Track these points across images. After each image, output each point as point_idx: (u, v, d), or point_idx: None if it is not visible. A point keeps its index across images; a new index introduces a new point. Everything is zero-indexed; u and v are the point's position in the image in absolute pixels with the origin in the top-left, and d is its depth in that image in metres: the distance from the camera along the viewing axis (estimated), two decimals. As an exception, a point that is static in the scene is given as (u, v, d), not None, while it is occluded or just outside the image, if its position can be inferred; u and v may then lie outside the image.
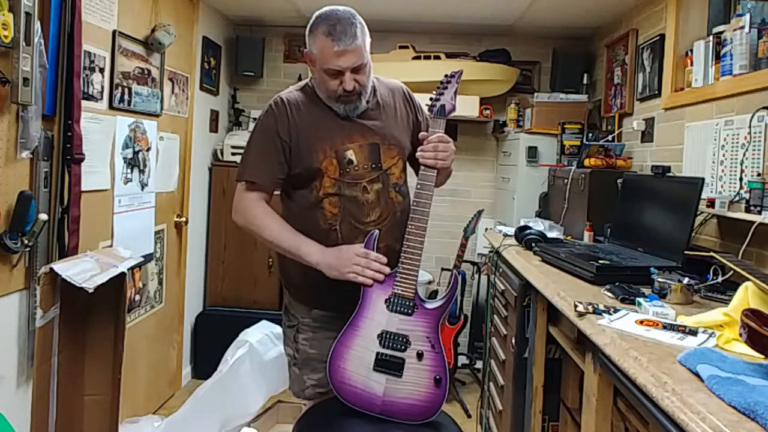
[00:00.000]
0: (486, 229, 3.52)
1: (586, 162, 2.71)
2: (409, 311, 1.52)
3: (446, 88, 1.62)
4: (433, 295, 3.66)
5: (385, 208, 1.63)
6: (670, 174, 2.11)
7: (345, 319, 1.65)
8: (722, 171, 2.07)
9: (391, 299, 1.53)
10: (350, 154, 1.60)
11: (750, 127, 1.89)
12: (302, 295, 1.70)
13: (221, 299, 3.67)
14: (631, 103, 3.01)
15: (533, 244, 2.23)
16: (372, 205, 1.61)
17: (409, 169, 1.78)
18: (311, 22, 1.56)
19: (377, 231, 1.57)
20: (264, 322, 2.94)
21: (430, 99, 1.62)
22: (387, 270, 1.53)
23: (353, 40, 1.50)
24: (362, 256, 1.51)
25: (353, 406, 1.54)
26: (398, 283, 1.53)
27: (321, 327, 1.68)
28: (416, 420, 1.52)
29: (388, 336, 1.52)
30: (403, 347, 1.51)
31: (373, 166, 1.62)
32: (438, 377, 1.50)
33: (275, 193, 1.69)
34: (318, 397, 1.69)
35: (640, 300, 1.45)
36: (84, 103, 2.14)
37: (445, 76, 1.64)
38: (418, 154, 1.57)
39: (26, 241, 1.81)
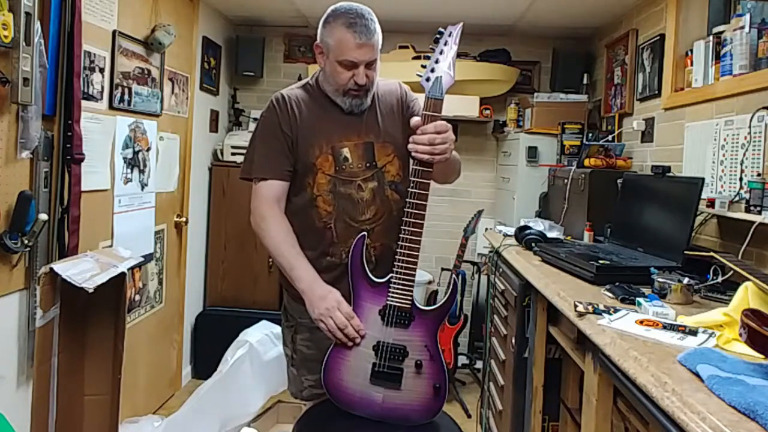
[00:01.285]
0: (486, 229, 3.52)
1: (586, 162, 2.71)
2: (406, 322, 1.48)
3: (442, 52, 1.42)
4: (433, 295, 3.66)
5: (381, 207, 1.62)
6: (670, 174, 2.11)
7: None
8: (722, 171, 2.07)
9: (386, 311, 1.48)
10: (345, 152, 1.60)
11: (750, 127, 1.89)
12: (300, 294, 1.69)
13: (221, 299, 3.67)
14: (631, 103, 3.01)
15: (533, 244, 2.23)
16: (367, 203, 1.60)
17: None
18: (328, 14, 1.57)
19: (365, 233, 1.55)
20: (264, 322, 2.94)
21: (423, 66, 1.41)
22: (358, 341, 1.47)
23: (373, 35, 1.52)
24: (345, 316, 1.47)
25: (353, 413, 1.53)
26: (393, 294, 1.48)
27: (319, 328, 1.67)
28: (416, 423, 1.51)
29: (384, 347, 1.48)
30: (400, 358, 1.48)
31: (368, 164, 1.61)
32: (437, 385, 1.48)
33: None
34: (316, 397, 1.68)
35: (640, 300, 1.45)
36: (84, 103, 2.14)
37: (439, 33, 1.42)
38: (410, 146, 1.46)
39: (26, 241, 1.81)
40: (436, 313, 1.51)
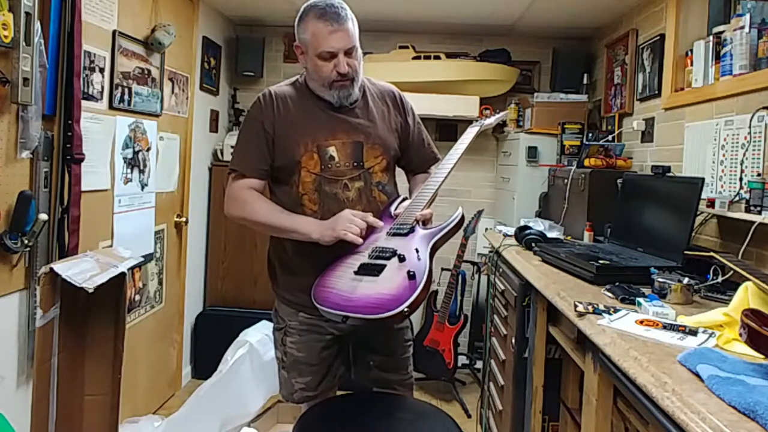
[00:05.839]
0: (486, 229, 3.51)
1: (586, 162, 2.71)
2: (405, 233, 1.51)
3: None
4: (432, 295, 3.66)
5: (367, 207, 1.61)
6: (670, 174, 2.11)
7: (332, 324, 1.62)
8: (722, 171, 2.07)
9: (394, 225, 1.55)
10: (332, 151, 1.60)
11: (750, 127, 1.89)
12: (289, 297, 1.69)
13: (221, 299, 3.67)
14: (631, 103, 3.01)
15: (533, 244, 2.23)
16: (353, 203, 1.60)
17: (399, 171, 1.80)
18: (300, 13, 1.58)
19: (405, 196, 1.67)
20: (264, 322, 2.95)
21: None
22: (371, 220, 1.52)
23: (345, 21, 1.53)
24: (360, 220, 1.50)
25: (322, 307, 1.42)
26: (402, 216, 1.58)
27: (308, 331, 1.66)
28: (380, 313, 1.32)
29: (377, 249, 1.50)
30: (389, 256, 1.45)
31: (355, 164, 1.61)
32: (411, 272, 1.37)
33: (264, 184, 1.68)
34: (307, 400, 1.68)
35: (640, 300, 1.45)
36: (84, 103, 2.14)
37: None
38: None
39: (26, 241, 1.81)
40: (432, 227, 1.55)
